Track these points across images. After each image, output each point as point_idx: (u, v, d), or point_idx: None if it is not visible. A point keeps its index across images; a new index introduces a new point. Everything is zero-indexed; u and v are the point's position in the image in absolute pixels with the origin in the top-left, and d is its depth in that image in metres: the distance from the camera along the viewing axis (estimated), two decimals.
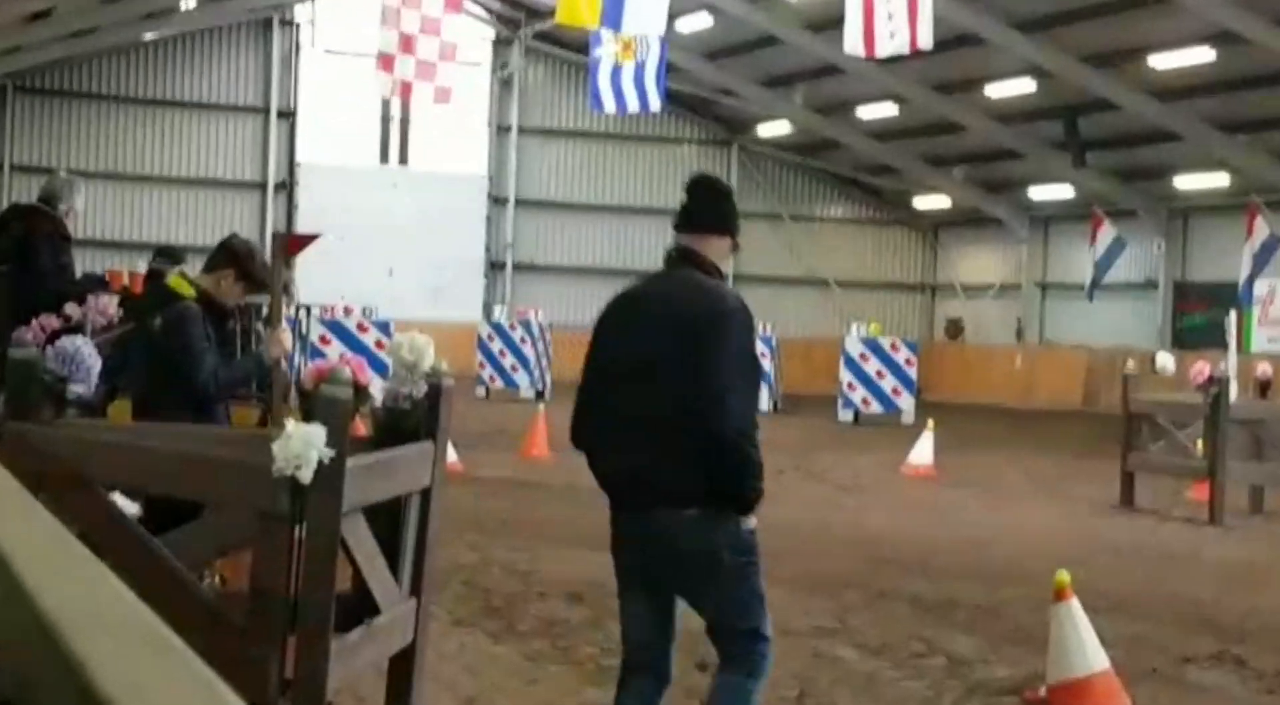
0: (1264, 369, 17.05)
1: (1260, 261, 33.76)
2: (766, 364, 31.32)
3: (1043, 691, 7.53)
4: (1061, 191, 41.59)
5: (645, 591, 5.66)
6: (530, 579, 10.79)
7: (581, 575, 10.83)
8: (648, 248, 45.69)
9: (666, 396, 5.51)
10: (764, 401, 30.89)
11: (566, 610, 9.71)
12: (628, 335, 5.75)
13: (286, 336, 7.82)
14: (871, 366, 29.38)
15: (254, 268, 7.64)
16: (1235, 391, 15.88)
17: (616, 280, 39.80)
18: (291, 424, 4.58)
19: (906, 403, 29.46)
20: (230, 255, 7.61)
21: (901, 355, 29.75)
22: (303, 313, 22.09)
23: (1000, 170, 43.18)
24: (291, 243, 9.35)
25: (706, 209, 6.00)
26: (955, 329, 46.48)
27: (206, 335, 7.35)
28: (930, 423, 20.52)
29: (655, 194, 46.36)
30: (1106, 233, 36.95)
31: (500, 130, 45.60)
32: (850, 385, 29.47)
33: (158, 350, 7.33)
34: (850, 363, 29.52)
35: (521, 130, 45.60)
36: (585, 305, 44.47)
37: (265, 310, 8.09)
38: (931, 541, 13.69)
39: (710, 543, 5.48)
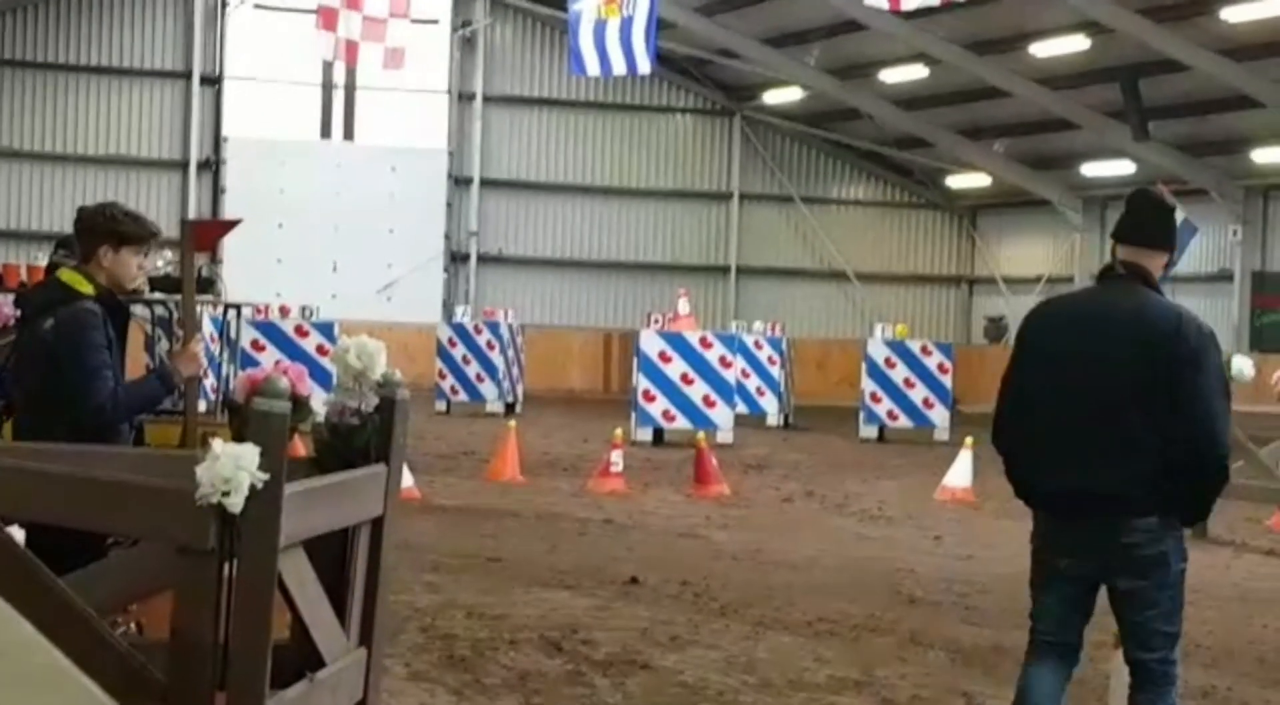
0: None
1: None
2: (776, 371, 31.34)
3: None
4: (1120, 168, 41.66)
5: (1074, 591, 6.91)
6: (500, 625, 10.78)
7: (560, 620, 10.82)
8: (636, 235, 45.73)
9: (1138, 417, 6.58)
10: (772, 415, 30.95)
11: (542, 661, 9.71)
12: (1084, 350, 6.72)
13: (199, 352, 7.73)
14: (899, 373, 29.36)
15: (128, 225, 7.50)
16: None
17: (599, 273, 39.85)
18: (219, 443, 4.57)
19: (940, 416, 29.46)
20: (92, 228, 7.43)
21: (934, 360, 29.74)
22: (231, 314, 22.07)
23: (1048, 143, 43.25)
24: (202, 231, 9.29)
25: (1155, 224, 7.00)
26: (997, 329, 46.52)
27: (108, 341, 7.24)
28: (968, 440, 20.51)
29: (644, 172, 46.41)
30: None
31: (463, 99, 45.61)
32: (874, 396, 29.44)
33: (48, 361, 7.16)
34: (874, 369, 29.49)
35: (487, 99, 45.60)
36: (562, 303, 44.56)
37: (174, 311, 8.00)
38: (971, 579, 13.69)
39: (1164, 549, 6.76)
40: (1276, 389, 15.91)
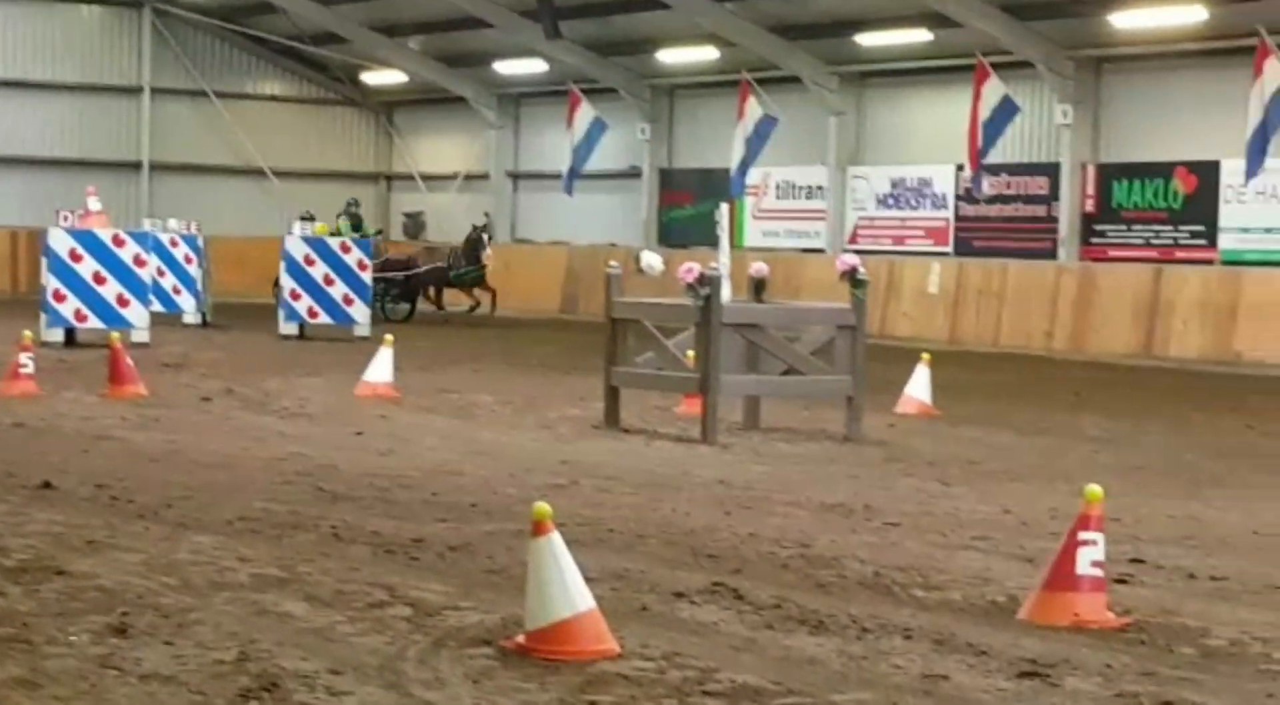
0: (759, 267, 17.73)
1: (754, 146, 35.26)
2: (193, 269, 30.84)
3: (521, 638, 7.69)
4: (533, 66, 42.26)
5: None
6: None
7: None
8: (41, 130, 44.32)
9: None
10: (190, 314, 30.52)
11: None
12: None
13: None
14: (319, 271, 29.28)
15: None
16: (728, 292, 16.52)
17: (4, 170, 38.35)
18: None
19: (361, 313, 29.53)
20: None
21: (354, 257, 29.77)
22: None
23: (463, 41, 43.51)
24: None
25: None
26: (415, 225, 46.78)
27: None
28: (389, 337, 20.59)
29: (48, 65, 44.89)
30: (585, 114, 37.85)
31: None
32: (294, 293, 29.27)
33: None
34: (293, 267, 29.30)
35: None
36: None
37: None
38: (393, 473, 13.77)
39: None
40: (682, 281, 16.44)
